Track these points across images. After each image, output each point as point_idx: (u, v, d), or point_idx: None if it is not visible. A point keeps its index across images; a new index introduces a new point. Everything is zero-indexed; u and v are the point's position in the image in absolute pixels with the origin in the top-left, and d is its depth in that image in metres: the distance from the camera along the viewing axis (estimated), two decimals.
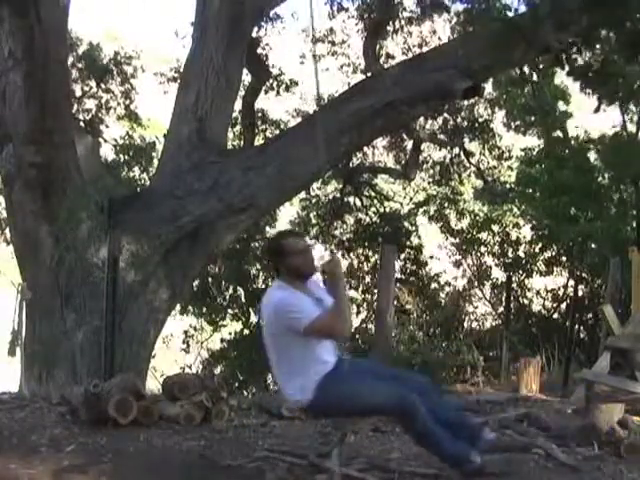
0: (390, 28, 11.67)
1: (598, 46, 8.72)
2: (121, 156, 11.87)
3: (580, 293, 12.25)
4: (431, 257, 14.29)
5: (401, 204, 15.05)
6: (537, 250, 13.62)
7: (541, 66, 10.68)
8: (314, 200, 14.25)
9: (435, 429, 3.56)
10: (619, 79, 9.18)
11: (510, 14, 8.11)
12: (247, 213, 8.13)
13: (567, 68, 8.68)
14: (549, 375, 9.82)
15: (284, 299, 3.54)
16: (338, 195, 14.13)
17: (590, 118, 12.44)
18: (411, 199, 15.16)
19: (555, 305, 13.56)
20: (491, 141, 13.58)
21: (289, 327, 3.49)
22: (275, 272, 3.82)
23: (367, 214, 14.37)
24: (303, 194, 13.24)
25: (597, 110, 11.08)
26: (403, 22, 11.69)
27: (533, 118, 12.82)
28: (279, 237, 3.95)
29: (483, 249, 13.99)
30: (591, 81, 8.80)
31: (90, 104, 11.98)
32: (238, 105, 10.89)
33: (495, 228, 14.00)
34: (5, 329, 6.96)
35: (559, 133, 12.96)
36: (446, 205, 14.39)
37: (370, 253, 13.85)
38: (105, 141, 11.75)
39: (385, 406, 3.58)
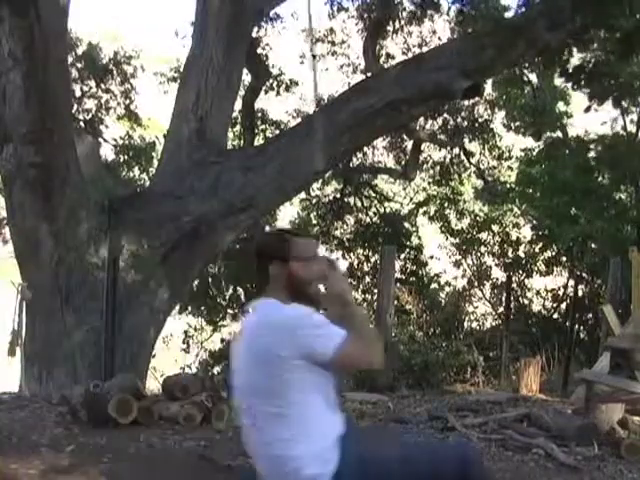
0: (390, 28, 11.68)
1: (591, 46, 8.73)
2: (121, 156, 11.87)
3: (580, 293, 12.24)
4: (431, 257, 14.30)
5: (401, 204, 15.06)
6: (537, 250, 13.61)
7: (540, 67, 10.67)
8: (314, 200, 14.26)
9: None
10: (611, 78, 9.18)
11: (509, 14, 8.14)
12: (247, 213, 8.13)
13: (559, 69, 8.70)
14: (549, 375, 9.81)
15: (303, 314, 2.34)
16: (338, 195, 14.14)
17: (590, 118, 12.45)
18: (411, 199, 15.17)
19: (555, 305, 13.56)
20: (491, 141, 13.59)
21: (310, 353, 2.27)
22: (260, 283, 2.52)
23: (367, 214, 14.38)
24: (303, 194, 13.25)
25: (588, 109, 11.10)
26: (403, 22, 11.69)
27: (533, 118, 12.81)
28: (285, 233, 2.61)
29: (483, 249, 14.00)
30: (583, 81, 8.81)
31: (90, 104, 11.97)
32: (238, 105, 10.89)
33: (495, 228, 14.00)
34: (5, 329, 6.96)
35: (559, 133, 12.96)
36: (446, 205, 14.40)
37: (370, 253, 13.85)
38: (105, 141, 11.76)
39: (444, 457, 2.44)
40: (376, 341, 2.44)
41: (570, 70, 8.59)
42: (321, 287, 2.48)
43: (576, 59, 9.00)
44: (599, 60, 8.67)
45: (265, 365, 2.28)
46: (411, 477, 2.35)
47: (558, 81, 12.51)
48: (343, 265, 2.56)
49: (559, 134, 12.91)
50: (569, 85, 11.11)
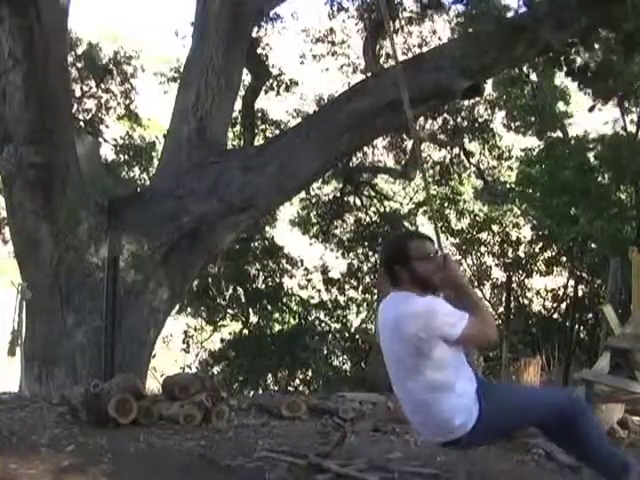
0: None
1: (596, 46, 8.72)
2: (121, 156, 11.87)
3: (580, 293, 12.24)
4: None
5: (401, 204, 15.06)
6: (537, 250, 13.61)
7: (540, 67, 10.66)
8: (314, 200, 14.26)
9: (598, 432, 3.15)
10: (616, 78, 9.17)
11: (510, 14, 8.13)
12: (247, 213, 8.14)
13: (565, 68, 8.68)
14: (549, 375, 9.81)
15: (433, 303, 2.91)
16: (338, 195, 14.14)
17: (590, 118, 12.44)
18: (411, 199, 15.17)
19: (555, 305, 13.55)
20: (491, 141, 13.59)
21: (443, 334, 2.85)
22: (392, 281, 3.06)
23: (367, 214, 14.38)
24: (303, 194, 13.26)
25: (592, 109, 11.09)
26: (403, 22, 11.69)
27: (533, 119, 12.80)
28: (403, 237, 3.31)
29: (483, 249, 13.98)
30: (589, 80, 8.80)
31: (90, 104, 11.97)
32: (238, 105, 10.90)
33: (495, 228, 13.99)
34: (5, 329, 6.96)
35: (559, 133, 12.96)
36: (446, 205, 14.39)
37: (370, 253, 13.86)
38: (105, 141, 11.75)
39: (559, 405, 3.02)
40: (491, 319, 3.05)
41: (575, 69, 8.57)
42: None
43: (579, 59, 8.99)
44: (604, 59, 8.66)
45: (409, 344, 2.88)
46: (530, 419, 3.10)
47: (558, 81, 12.52)
48: (454, 257, 3.04)
49: (559, 134, 12.91)
50: (569, 85, 11.11)
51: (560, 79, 12.42)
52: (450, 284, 3.04)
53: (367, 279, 13.77)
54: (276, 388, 11.77)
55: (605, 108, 11.43)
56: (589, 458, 3.14)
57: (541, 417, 3.05)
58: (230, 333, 13.33)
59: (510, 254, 13.73)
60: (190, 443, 4.49)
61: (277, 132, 12.11)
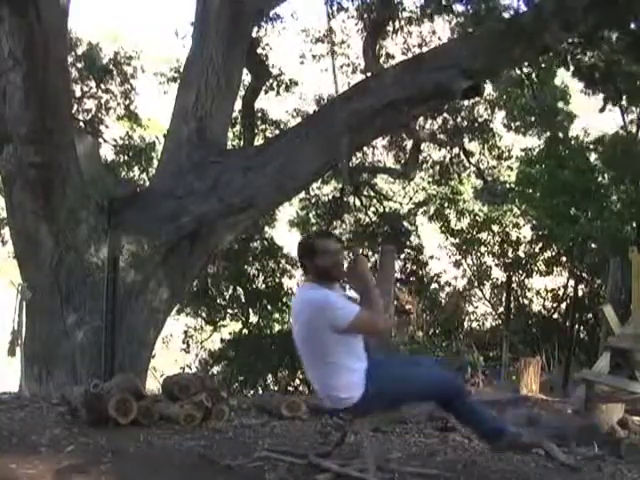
0: (390, 28, 11.67)
1: (604, 46, 8.70)
2: (121, 156, 11.87)
3: (580, 293, 12.25)
4: (431, 257, 14.29)
5: (401, 204, 15.06)
6: (537, 250, 13.61)
7: (543, 65, 10.66)
8: (313, 200, 14.26)
9: (474, 403, 3.82)
10: (624, 79, 9.15)
11: (509, 14, 8.12)
12: (247, 213, 8.14)
13: (572, 68, 8.66)
14: (549, 375, 9.82)
15: (326, 296, 3.46)
16: (338, 195, 14.13)
17: (590, 118, 12.45)
18: (411, 199, 15.17)
19: (555, 305, 13.56)
20: (491, 141, 13.58)
21: (332, 324, 3.40)
22: (304, 273, 3.78)
23: (367, 214, 14.37)
24: (303, 194, 13.25)
25: (602, 110, 11.08)
26: (403, 22, 11.68)
27: (533, 119, 12.81)
28: (312, 236, 3.98)
29: (483, 249, 13.99)
30: (596, 81, 8.79)
31: (90, 104, 11.96)
32: (238, 105, 10.89)
33: (495, 228, 14.00)
34: (5, 329, 6.96)
35: (559, 133, 12.96)
36: (446, 205, 14.39)
37: (370, 253, 13.85)
38: (105, 141, 11.75)
39: (442, 383, 3.66)
40: (379, 314, 3.53)
41: (583, 70, 8.56)
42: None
43: (586, 60, 8.98)
44: (612, 60, 8.64)
45: (308, 327, 3.48)
46: (413, 393, 3.68)
47: (558, 81, 12.52)
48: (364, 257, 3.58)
49: (559, 134, 12.91)
50: (570, 85, 11.10)
51: (560, 79, 12.43)
52: (357, 280, 3.63)
53: None
54: (276, 388, 11.77)
55: (608, 108, 11.42)
56: (472, 426, 3.85)
57: (423, 393, 3.70)
58: (230, 333, 13.33)
59: (510, 254, 13.74)
60: (190, 443, 4.49)
61: (277, 132, 12.11)
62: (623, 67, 8.63)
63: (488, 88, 11.99)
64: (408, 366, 3.85)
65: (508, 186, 13.77)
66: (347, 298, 3.64)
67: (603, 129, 12.83)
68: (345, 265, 3.69)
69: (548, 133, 12.90)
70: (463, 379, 4.38)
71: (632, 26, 7.53)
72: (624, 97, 9.74)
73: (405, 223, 14.25)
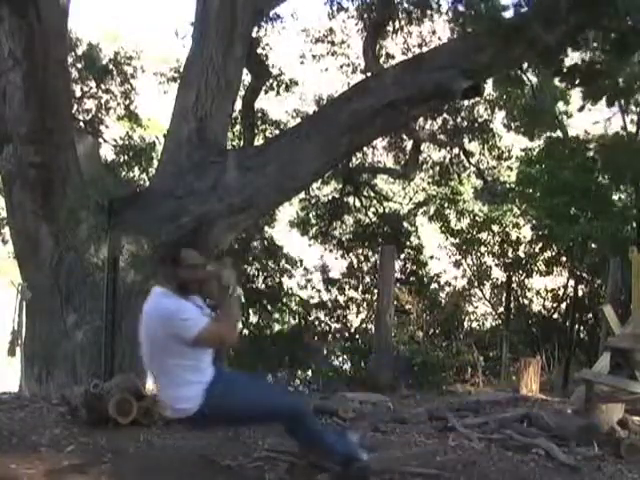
0: (390, 28, 11.68)
1: (585, 46, 8.71)
2: (121, 156, 11.87)
3: (580, 293, 12.24)
4: (431, 257, 14.30)
5: (401, 204, 15.06)
6: (537, 250, 13.60)
7: (539, 67, 10.65)
8: (313, 200, 14.26)
9: (322, 429, 3.82)
10: (605, 78, 9.15)
11: (509, 14, 8.12)
12: (247, 213, 8.13)
13: (553, 68, 8.68)
14: (549, 375, 9.81)
15: (177, 307, 3.42)
16: (338, 195, 14.14)
17: (590, 118, 12.45)
18: (411, 199, 15.17)
19: (555, 305, 13.55)
20: (491, 141, 13.58)
21: (177, 335, 3.37)
22: (162, 279, 3.61)
23: (367, 214, 14.38)
24: (303, 194, 13.25)
25: (582, 109, 11.10)
26: (403, 22, 11.69)
27: (533, 118, 12.81)
28: (178, 246, 3.73)
29: (483, 249, 13.98)
30: (577, 80, 8.78)
31: (90, 104, 11.97)
32: (238, 105, 10.89)
33: (495, 228, 13.99)
34: (5, 329, 6.96)
35: (559, 133, 12.96)
36: (446, 205, 14.39)
37: (370, 253, 13.86)
38: (105, 141, 11.75)
39: (279, 407, 3.62)
40: (230, 329, 3.57)
41: (564, 70, 8.56)
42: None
43: (570, 59, 8.98)
44: (594, 60, 8.64)
45: (154, 334, 3.45)
46: (252, 416, 3.67)
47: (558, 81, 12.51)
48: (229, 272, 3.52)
49: (559, 134, 12.91)
50: (564, 84, 11.09)
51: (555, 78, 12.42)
52: (217, 294, 3.61)
53: (367, 279, 13.77)
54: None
55: (605, 108, 11.43)
56: (319, 452, 3.81)
57: (263, 415, 3.67)
58: None
59: (510, 254, 13.73)
60: (190, 443, 4.49)
61: (277, 132, 12.11)
62: (605, 66, 8.62)
63: (488, 88, 11.99)
64: (252, 386, 3.76)
65: (508, 186, 13.78)
66: (203, 310, 3.57)
67: (595, 128, 12.86)
68: (210, 279, 3.61)
69: (548, 133, 12.90)
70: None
71: (614, 25, 7.51)
72: (604, 97, 9.73)
73: (405, 223, 14.26)
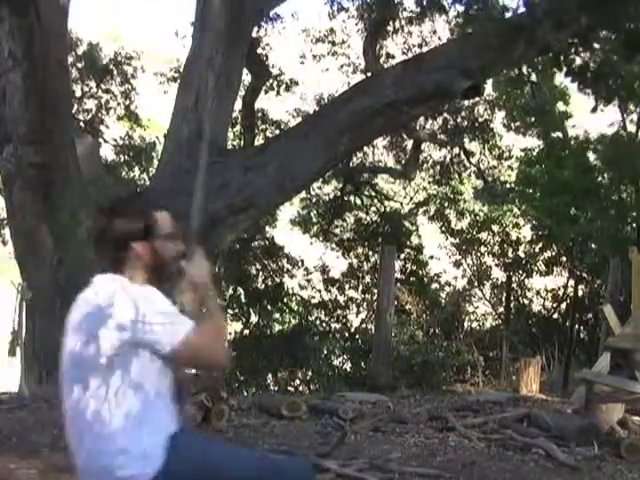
0: (390, 28, 11.68)
1: (596, 46, 8.71)
2: (121, 156, 11.88)
3: (580, 293, 12.24)
4: (431, 257, 14.29)
5: (401, 204, 15.07)
6: (537, 250, 13.61)
7: (539, 67, 10.66)
8: (314, 199, 14.26)
9: None
10: (617, 79, 9.16)
11: (509, 14, 8.12)
12: (247, 213, 8.13)
13: (565, 69, 8.67)
14: (549, 375, 9.82)
15: (142, 293, 2.13)
16: (338, 194, 14.14)
17: (590, 118, 12.44)
18: (411, 199, 15.18)
19: (555, 305, 13.55)
20: (491, 141, 13.59)
21: (150, 340, 2.06)
22: (112, 263, 2.32)
23: (367, 213, 14.38)
24: (303, 193, 13.25)
25: (594, 110, 11.09)
26: (403, 22, 11.69)
27: (533, 119, 12.81)
28: (148, 210, 2.34)
29: (483, 249, 13.99)
30: (588, 81, 8.79)
31: (90, 104, 11.98)
32: (238, 105, 10.89)
33: (495, 228, 13.99)
34: (5, 329, 6.95)
35: (559, 133, 12.96)
36: (446, 205, 14.40)
37: (370, 253, 13.85)
38: (105, 141, 11.76)
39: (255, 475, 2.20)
40: (222, 338, 2.25)
41: (575, 70, 8.55)
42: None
43: (579, 60, 8.98)
44: (605, 60, 8.64)
45: (95, 348, 2.11)
46: None
47: (558, 81, 12.51)
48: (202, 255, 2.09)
49: (559, 134, 12.91)
50: (570, 85, 11.09)
51: (560, 79, 12.42)
52: (191, 284, 2.24)
53: (367, 279, 13.77)
54: (276, 388, 11.77)
55: (607, 109, 11.42)
56: None
57: None
58: (230, 333, 13.33)
59: (510, 254, 13.74)
60: None
61: (277, 132, 12.11)
62: (616, 67, 8.62)
63: (488, 88, 11.99)
64: (216, 448, 2.36)
65: (508, 186, 13.78)
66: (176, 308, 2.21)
67: (603, 129, 12.85)
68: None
69: (548, 133, 12.90)
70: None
71: (625, 25, 7.51)
72: (617, 96, 9.73)
73: (405, 223, 14.26)
